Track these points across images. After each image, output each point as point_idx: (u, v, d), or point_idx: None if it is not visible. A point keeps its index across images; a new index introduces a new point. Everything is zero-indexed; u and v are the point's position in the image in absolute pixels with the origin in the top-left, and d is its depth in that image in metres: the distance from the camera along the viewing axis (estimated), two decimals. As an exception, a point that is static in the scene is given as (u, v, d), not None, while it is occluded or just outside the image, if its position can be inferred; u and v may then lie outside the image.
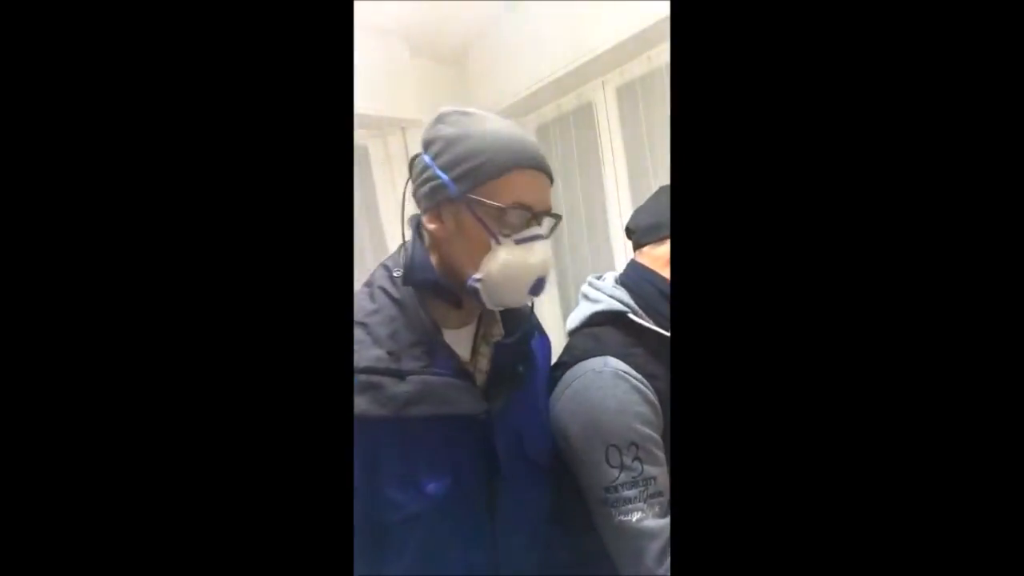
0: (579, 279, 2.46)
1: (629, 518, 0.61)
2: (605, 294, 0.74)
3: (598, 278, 0.80)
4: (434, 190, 0.63)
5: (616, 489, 0.61)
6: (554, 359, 0.80)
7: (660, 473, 0.62)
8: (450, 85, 2.52)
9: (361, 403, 0.56)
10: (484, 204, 0.60)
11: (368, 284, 0.66)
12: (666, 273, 0.72)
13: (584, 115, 2.24)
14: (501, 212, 0.61)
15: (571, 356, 0.72)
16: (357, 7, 1.92)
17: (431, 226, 0.65)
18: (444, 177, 0.61)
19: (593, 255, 2.35)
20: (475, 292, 0.62)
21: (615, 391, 0.63)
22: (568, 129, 2.35)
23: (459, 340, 0.67)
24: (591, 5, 1.85)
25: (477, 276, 0.61)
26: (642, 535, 0.60)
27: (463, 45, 2.43)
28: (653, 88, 1.96)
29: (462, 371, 0.63)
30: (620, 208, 2.14)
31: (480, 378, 0.65)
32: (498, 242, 0.60)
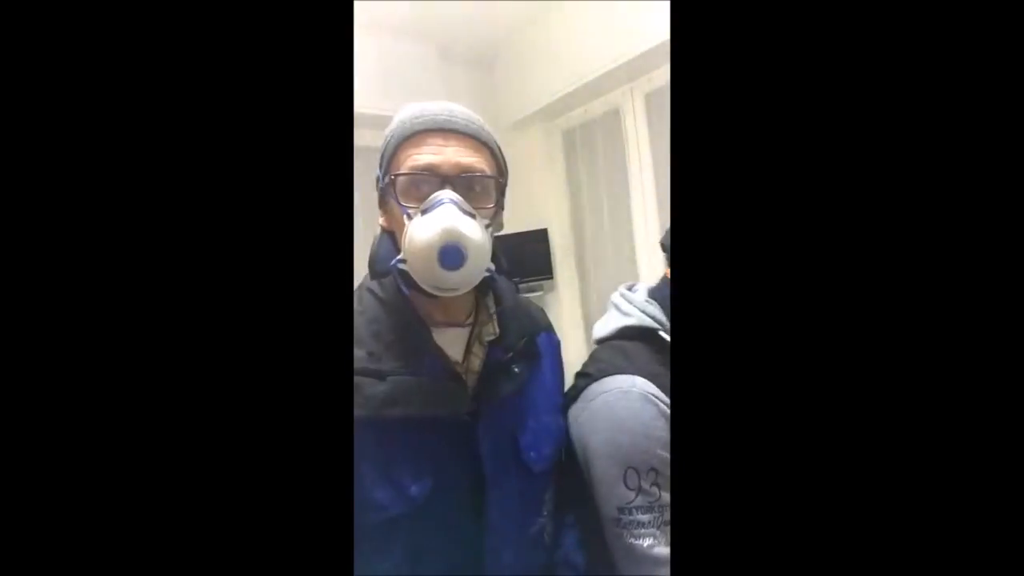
0: (601, 285, 2.44)
1: (640, 542, 0.59)
2: (637, 308, 0.72)
3: (630, 289, 0.77)
4: (377, 187, 0.64)
5: (630, 511, 0.60)
6: (568, 360, 0.78)
7: None
8: (477, 89, 2.53)
9: None
10: (392, 180, 0.59)
11: (358, 287, 0.66)
12: None
13: (611, 121, 2.23)
14: (410, 184, 0.59)
15: (597, 368, 0.70)
16: (385, 10, 1.95)
17: (380, 220, 0.66)
18: (378, 171, 0.63)
19: (617, 261, 2.32)
20: (405, 275, 0.59)
21: (641, 414, 0.61)
22: (595, 135, 2.33)
23: (452, 340, 0.64)
24: (620, 11, 1.83)
25: (399, 257, 0.59)
26: (652, 562, 0.59)
27: (491, 49, 2.44)
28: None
29: (450, 372, 0.61)
30: (646, 214, 2.11)
31: (471, 379, 0.62)
32: (409, 217, 0.58)
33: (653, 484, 0.60)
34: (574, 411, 0.69)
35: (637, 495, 0.59)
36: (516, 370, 0.64)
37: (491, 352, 0.64)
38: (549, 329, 0.76)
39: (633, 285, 0.77)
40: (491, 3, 2.02)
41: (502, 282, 0.69)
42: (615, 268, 2.33)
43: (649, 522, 0.59)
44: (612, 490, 0.62)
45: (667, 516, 0.60)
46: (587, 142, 2.38)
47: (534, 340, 0.69)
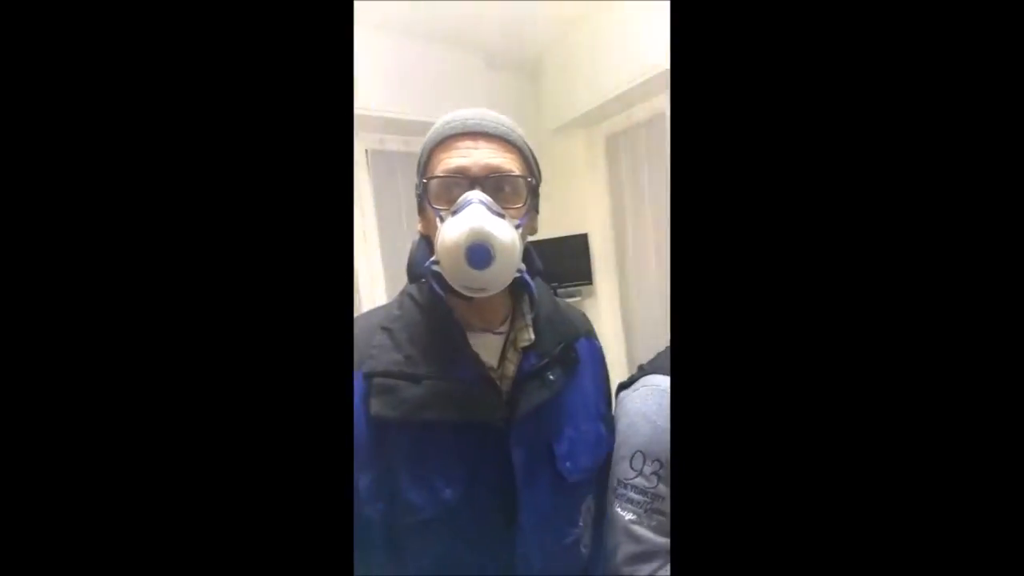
0: (645, 292, 2.41)
1: (624, 514, 0.65)
2: None
3: None
4: (416, 194, 0.65)
5: (626, 486, 0.66)
6: (613, 367, 0.78)
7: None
8: (523, 95, 2.56)
9: (376, 405, 0.57)
10: (426, 184, 0.61)
11: (401, 292, 0.68)
12: None
13: (656, 125, 2.20)
14: (441, 188, 0.60)
15: (651, 366, 0.74)
16: (431, 20, 2.00)
17: (417, 227, 0.67)
18: (416, 178, 0.65)
19: (659, 266, 2.29)
20: (438, 278, 0.60)
21: (663, 412, 0.67)
22: (639, 139, 2.31)
23: (486, 345, 0.64)
24: (663, 15, 1.82)
25: (432, 259, 0.60)
26: (625, 534, 0.65)
27: (537, 56, 2.46)
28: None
29: (484, 377, 0.61)
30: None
31: (505, 385, 0.62)
32: (441, 220, 0.59)
33: (654, 473, 0.65)
34: (621, 396, 0.74)
35: (637, 476, 0.66)
36: (551, 377, 0.64)
37: (525, 358, 0.64)
38: (590, 335, 0.75)
39: None
40: (535, 10, 2.04)
41: (538, 286, 0.68)
42: (657, 274, 2.30)
43: (639, 502, 0.65)
44: (619, 465, 0.68)
45: (656, 506, 0.65)
46: (630, 147, 2.37)
47: (572, 346, 0.69)
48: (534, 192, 0.64)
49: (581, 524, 0.67)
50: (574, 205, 2.49)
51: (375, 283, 2.11)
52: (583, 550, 0.67)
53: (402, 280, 0.68)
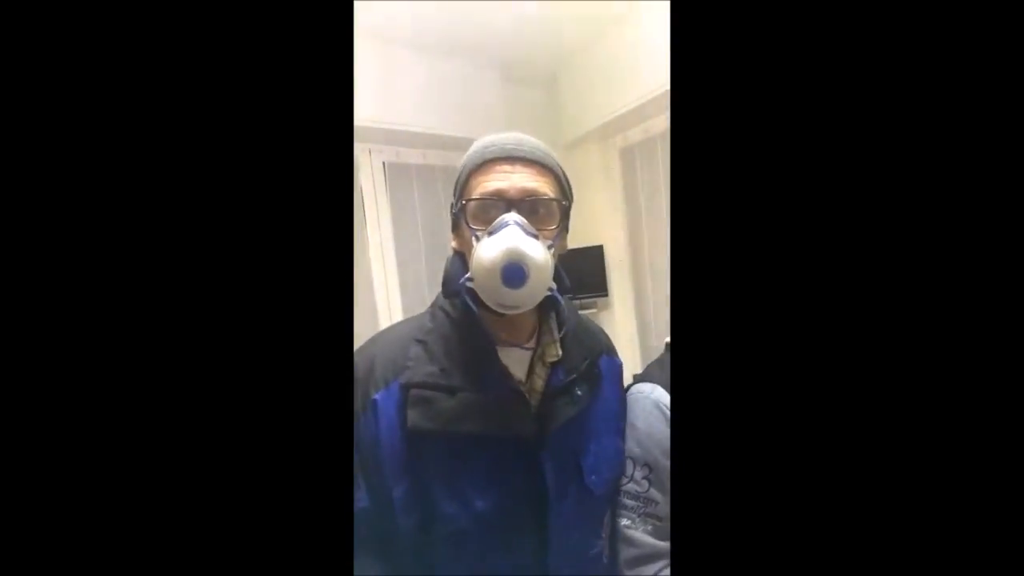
0: (660, 305, 2.39)
1: (620, 520, 0.68)
2: None
3: None
4: (452, 212, 0.68)
5: (620, 493, 0.69)
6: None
7: (664, 501, 0.67)
8: (539, 108, 2.58)
9: (413, 416, 0.58)
10: (464, 205, 0.63)
11: (432, 305, 0.70)
12: None
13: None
14: (479, 209, 0.62)
15: (643, 375, 0.77)
16: (450, 34, 2.03)
17: (452, 244, 0.70)
18: (452, 198, 0.68)
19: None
20: (472, 294, 0.62)
21: (648, 417, 0.70)
22: (655, 152, 2.31)
23: (516, 360, 0.66)
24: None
25: (467, 276, 0.62)
26: (623, 539, 0.67)
27: (552, 70, 2.48)
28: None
29: (515, 391, 0.63)
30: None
31: (534, 399, 0.64)
32: (477, 239, 0.61)
33: (644, 478, 0.68)
34: None
35: (629, 482, 0.69)
36: (579, 393, 0.66)
37: (554, 373, 0.66)
38: (611, 352, 0.77)
39: None
40: (551, 24, 2.07)
41: (565, 304, 0.70)
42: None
43: (632, 507, 0.68)
44: None
45: (650, 510, 0.67)
46: (646, 159, 2.37)
47: (596, 363, 0.71)
48: (566, 214, 0.67)
49: (604, 536, 0.69)
50: (589, 217, 2.49)
51: (391, 293, 2.13)
52: (604, 561, 0.69)
53: (417, 290, 0.69)
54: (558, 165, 0.67)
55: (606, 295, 2.48)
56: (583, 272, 2.45)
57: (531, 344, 0.68)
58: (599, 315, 2.49)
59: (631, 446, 0.70)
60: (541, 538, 0.61)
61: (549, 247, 0.62)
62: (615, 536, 0.69)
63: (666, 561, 0.66)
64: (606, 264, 2.46)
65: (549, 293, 0.63)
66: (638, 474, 0.68)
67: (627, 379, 0.78)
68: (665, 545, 0.67)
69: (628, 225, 2.50)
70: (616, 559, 0.68)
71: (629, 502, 0.68)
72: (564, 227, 0.67)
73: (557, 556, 0.62)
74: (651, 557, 0.66)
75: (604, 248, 2.46)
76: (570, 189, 0.69)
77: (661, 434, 0.68)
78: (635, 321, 2.51)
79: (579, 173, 2.52)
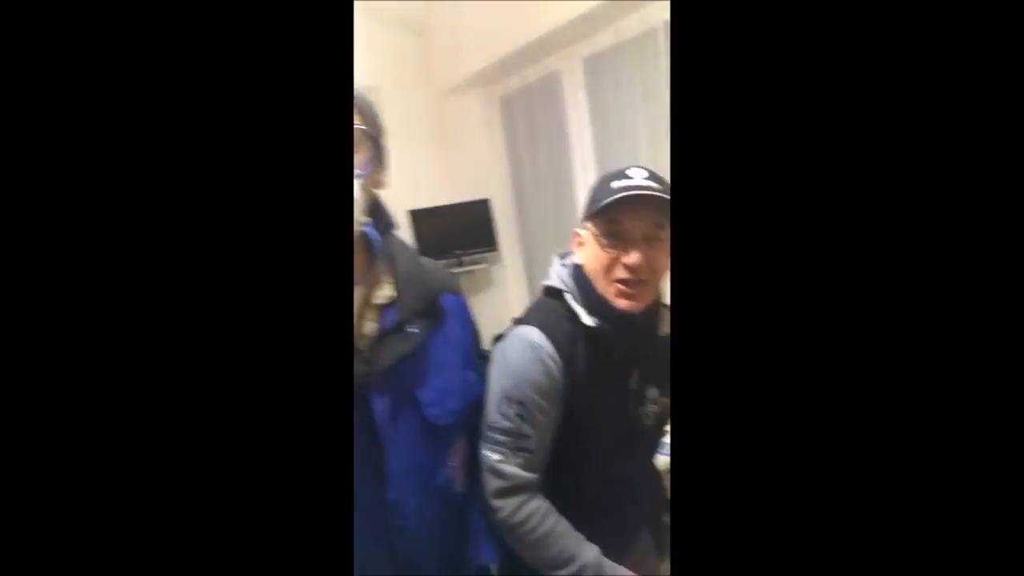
0: (543, 252, 2.44)
1: (490, 455, 0.72)
2: (554, 271, 0.81)
3: (562, 256, 0.84)
4: None
5: (493, 429, 0.72)
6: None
7: (535, 435, 0.72)
8: (408, 54, 2.41)
9: None
10: None
11: None
12: None
13: (550, 86, 2.19)
14: None
15: (521, 318, 0.80)
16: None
17: None
18: None
19: (559, 230, 2.32)
20: None
21: (522, 357, 0.72)
22: (533, 101, 2.29)
23: None
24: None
25: None
26: (492, 472, 0.71)
27: (423, 11, 2.32)
28: (622, 60, 1.92)
29: None
30: (587, 182, 2.11)
31: (363, 343, 0.64)
32: None
33: (517, 414, 0.71)
34: (494, 347, 0.79)
35: (502, 419, 0.72)
36: (413, 331, 0.67)
37: (385, 315, 0.66)
38: (454, 289, 0.77)
39: (567, 253, 0.84)
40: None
41: (395, 244, 0.70)
42: (558, 237, 2.34)
43: (504, 443, 0.71)
44: (487, 410, 0.74)
45: (522, 444, 0.71)
46: (525, 109, 2.34)
47: (436, 300, 0.71)
48: (376, 144, 0.65)
49: (454, 464, 0.72)
50: (473, 169, 2.43)
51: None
52: (459, 487, 0.73)
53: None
54: (361, 94, 0.64)
55: (495, 250, 2.47)
56: (471, 226, 2.41)
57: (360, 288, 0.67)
58: (489, 269, 2.49)
59: (507, 385, 0.72)
60: (377, 471, 0.64)
61: (357, 177, 0.60)
62: (484, 471, 0.72)
63: (532, 493, 0.71)
64: (492, 218, 2.45)
65: (363, 228, 0.61)
66: (512, 411, 0.71)
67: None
68: (533, 476, 0.71)
69: (513, 176, 2.49)
70: (482, 490, 0.72)
71: (501, 437, 0.71)
72: (378, 160, 0.66)
73: (397, 487, 0.65)
74: (518, 488, 0.71)
75: (490, 202, 2.43)
76: (378, 119, 0.67)
77: (535, 373, 0.72)
78: (524, 273, 2.55)
79: (460, 122, 2.43)
